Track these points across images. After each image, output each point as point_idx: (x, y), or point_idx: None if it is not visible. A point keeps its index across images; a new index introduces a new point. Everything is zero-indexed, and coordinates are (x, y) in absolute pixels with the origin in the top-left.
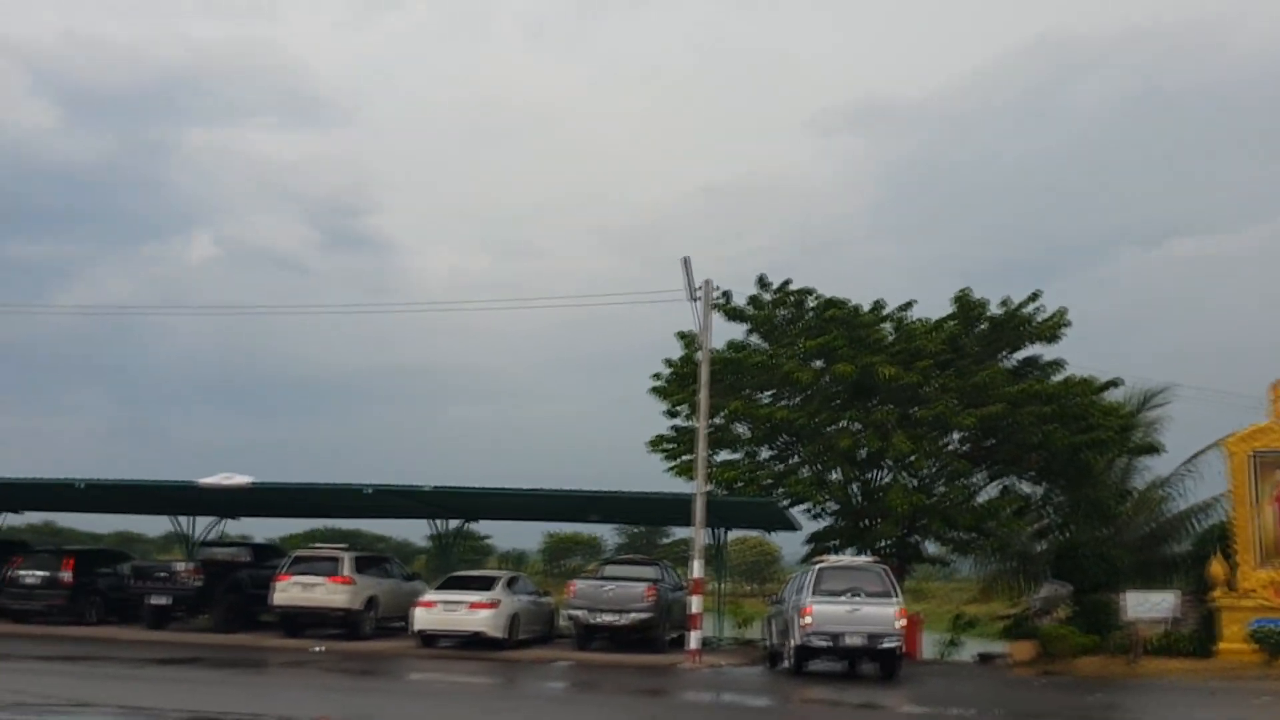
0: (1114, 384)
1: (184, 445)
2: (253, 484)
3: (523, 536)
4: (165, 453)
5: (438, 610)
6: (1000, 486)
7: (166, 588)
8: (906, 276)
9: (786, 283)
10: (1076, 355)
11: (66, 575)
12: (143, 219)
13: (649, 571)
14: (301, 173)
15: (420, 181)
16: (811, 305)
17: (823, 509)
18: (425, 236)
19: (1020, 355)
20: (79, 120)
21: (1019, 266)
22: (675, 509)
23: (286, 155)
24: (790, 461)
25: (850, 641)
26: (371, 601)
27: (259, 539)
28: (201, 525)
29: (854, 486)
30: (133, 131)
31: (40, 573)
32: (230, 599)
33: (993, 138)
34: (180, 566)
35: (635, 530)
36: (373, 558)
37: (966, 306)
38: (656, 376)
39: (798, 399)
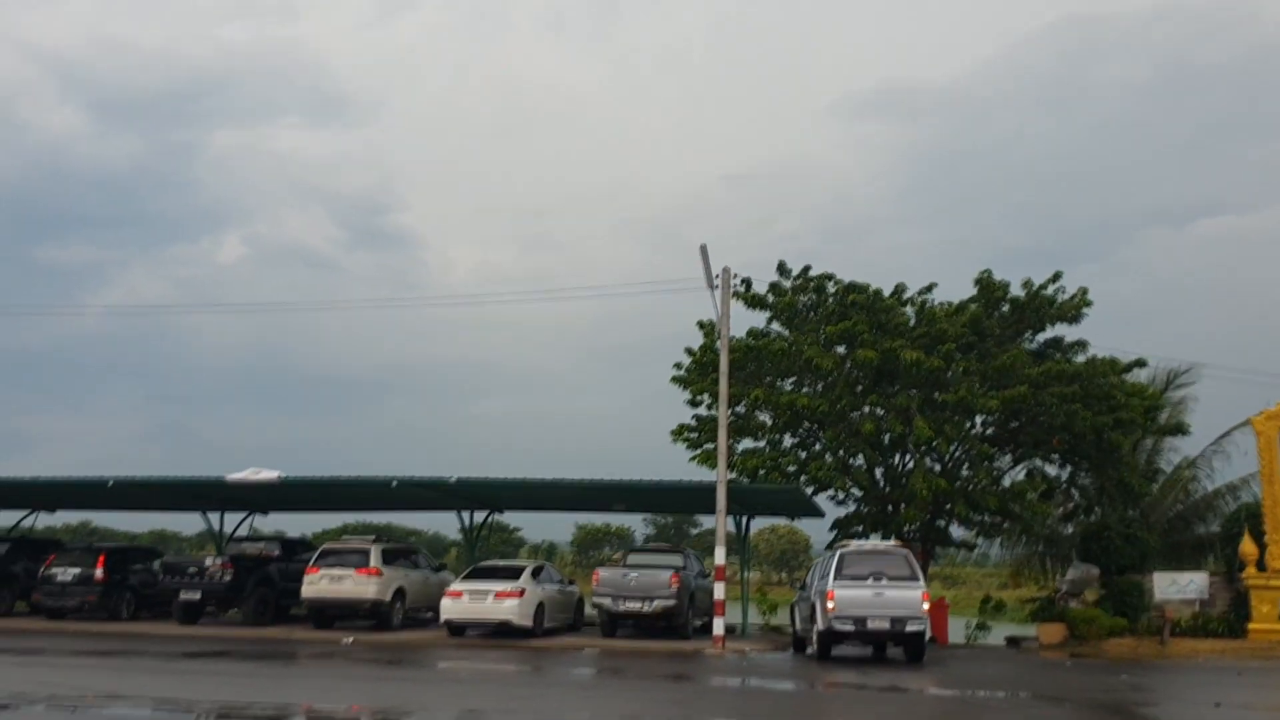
0: (1139, 364)
1: (217, 443)
2: (280, 479)
3: (553, 529)
4: (199, 451)
5: (465, 600)
6: (1026, 469)
7: (197, 583)
8: (932, 260)
9: (806, 268)
10: (1103, 338)
11: (99, 572)
12: (173, 221)
13: (673, 559)
14: (328, 171)
15: (445, 177)
16: (832, 290)
17: (847, 495)
18: (450, 232)
19: (1043, 337)
20: (108, 125)
21: (1044, 250)
22: (698, 497)
23: (313, 154)
24: (813, 448)
25: (875, 625)
26: (399, 593)
27: (294, 534)
28: (233, 522)
29: (878, 472)
30: (162, 134)
31: (73, 570)
32: (260, 593)
33: (1017, 120)
34: (210, 562)
35: (664, 521)
36: (401, 549)
37: (988, 288)
38: (678, 366)
39: (820, 385)
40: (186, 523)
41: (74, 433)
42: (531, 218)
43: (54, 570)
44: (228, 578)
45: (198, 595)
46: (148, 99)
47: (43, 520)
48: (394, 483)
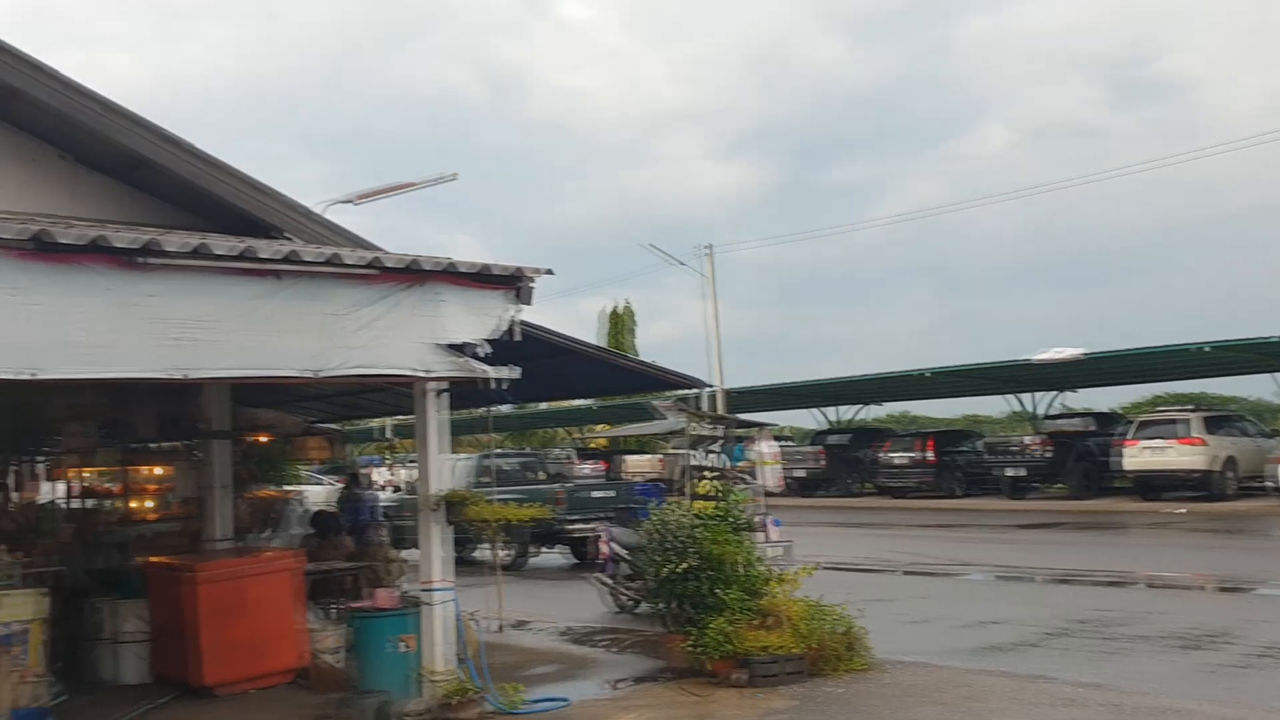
0: None
1: (1005, 328)
2: (1084, 355)
3: None
4: (987, 337)
5: None
6: None
7: (1020, 460)
8: None
9: None
10: None
11: (929, 454)
12: (937, 122)
13: None
14: (1078, 36)
15: (1207, 9)
16: None
17: None
18: (1229, 64)
19: None
20: (865, 45)
21: None
22: None
23: (1059, 21)
24: None
25: None
26: (1229, 461)
27: (1100, 409)
28: (1039, 402)
29: None
30: (912, 41)
31: (907, 454)
32: (1081, 467)
33: None
34: (1030, 440)
35: None
36: (1223, 417)
37: None
38: None
39: None
40: (989, 406)
41: (871, 334)
42: None
43: (890, 455)
44: (1048, 454)
45: (1022, 471)
46: (894, 11)
47: (872, 412)
48: (1206, 347)
